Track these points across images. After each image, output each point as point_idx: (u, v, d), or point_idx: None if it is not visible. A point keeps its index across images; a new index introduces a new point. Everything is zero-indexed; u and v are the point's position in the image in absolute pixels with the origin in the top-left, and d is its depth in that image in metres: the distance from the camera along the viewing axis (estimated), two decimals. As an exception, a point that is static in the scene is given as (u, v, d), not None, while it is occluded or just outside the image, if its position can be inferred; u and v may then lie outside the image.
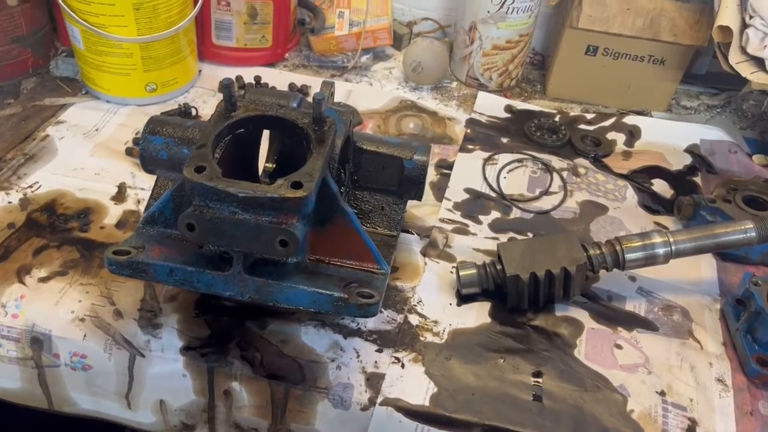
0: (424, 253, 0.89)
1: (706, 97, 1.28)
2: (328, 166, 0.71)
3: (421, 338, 0.79)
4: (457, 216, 0.96)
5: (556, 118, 1.17)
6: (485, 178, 1.03)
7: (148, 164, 0.79)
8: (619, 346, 0.80)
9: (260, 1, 1.15)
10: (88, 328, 0.76)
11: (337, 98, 1.16)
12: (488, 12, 1.14)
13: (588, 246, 0.83)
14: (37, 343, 0.76)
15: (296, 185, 0.63)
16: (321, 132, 0.70)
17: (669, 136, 1.15)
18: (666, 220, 0.99)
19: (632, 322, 0.83)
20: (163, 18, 1.03)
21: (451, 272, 0.87)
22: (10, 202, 0.90)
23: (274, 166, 0.81)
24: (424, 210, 0.96)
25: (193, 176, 0.63)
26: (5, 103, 1.07)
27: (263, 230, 0.62)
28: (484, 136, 1.12)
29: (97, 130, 1.05)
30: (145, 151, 0.78)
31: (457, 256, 0.89)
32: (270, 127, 0.75)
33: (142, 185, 0.95)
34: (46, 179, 0.94)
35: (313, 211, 0.66)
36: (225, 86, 0.69)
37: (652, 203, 1.02)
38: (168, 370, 0.75)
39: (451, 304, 0.83)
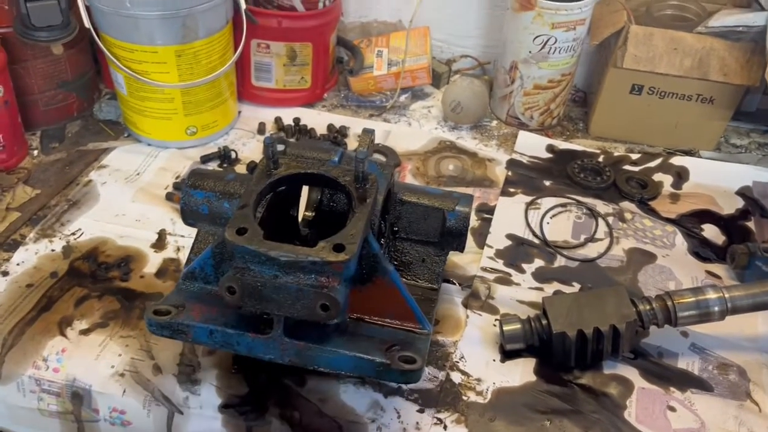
0: (465, 305, 0.87)
1: (756, 134, 1.23)
2: (370, 223, 0.69)
3: (464, 398, 0.76)
4: (499, 264, 0.94)
5: (600, 159, 1.14)
6: (528, 224, 1.00)
7: (188, 218, 0.79)
8: (672, 408, 0.77)
9: (299, 43, 1.16)
10: (128, 384, 0.76)
11: (375, 139, 1.15)
12: (529, 52, 1.12)
13: (638, 301, 0.80)
14: (77, 397, 0.76)
15: (338, 248, 0.62)
16: (363, 190, 0.68)
17: (719, 177, 1.11)
18: (718, 269, 0.95)
19: (685, 381, 0.80)
20: (204, 64, 1.04)
21: (494, 325, 0.84)
22: (53, 250, 0.91)
23: (314, 214, 0.81)
24: (465, 258, 0.93)
25: (235, 239, 0.62)
26: (51, 148, 1.09)
27: (304, 295, 0.61)
28: (526, 178, 1.10)
29: (138, 174, 1.06)
30: (186, 205, 0.77)
31: (500, 308, 0.87)
32: (312, 184, 0.74)
33: (182, 232, 0.95)
34: (89, 226, 0.95)
35: (354, 272, 0.65)
36: (266, 145, 0.68)
37: (703, 250, 0.98)
38: (206, 428, 0.74)
39: (494, 360, 0.81)
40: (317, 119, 1.20)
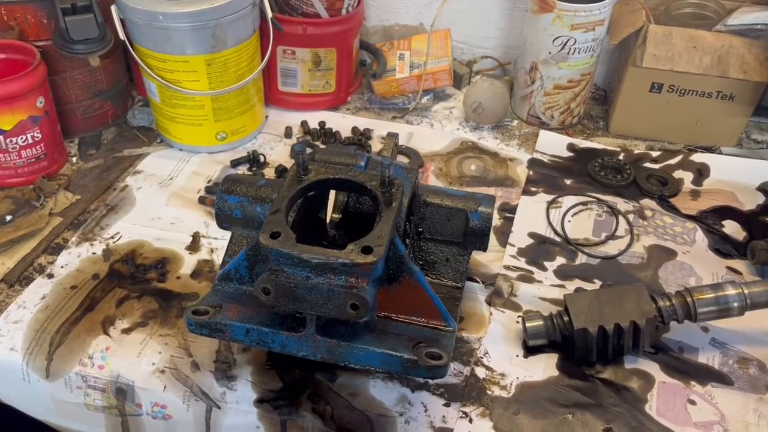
0: (489, 302, 0.90)
1: (778, 130, 1.24)
2: (396, 225, 0.72)
3: (489, 392, 0.79)
4: (521, 263, 0.96)
5: (620, 157, 1.16)
6: (549, 222, 1.03)
7: (223, 221, 0.82)
8: (692, 402, 0.79)
9: (324, 49, 1.19)
10: (168, 380, 0.80)
11: (399, 141, 1.17)
12: (549, 53, 1.14)
13: (657, 297, 0.82)
14: (121, 393, 0.81)
15: (366, 250, 0.65)
16: (389, 194, 0.72)
17: (740, 173, 1.12)
18: (739, 264, 0.96)
19: (706, 375, 0.82)
20: (233, 72, 1.08)
21: (517, 322, 0.87)
22: (94, 253, 0.96)
23: (341, 216, 0.84)
24: (488, 256, 0.96)
25: (269, 242, 0.65)
26: (88, 155, 1.14)
27: (335, 295, 0.64)
28: (547, 177, 1.12)
29: (171, 178, 1.10)
30: (221, 210, 0.81)
31: (522, 305, 0.89)
32: (340, 188, 0.77)
33: (215, 234, 0.99)
34: (126, 229, 1.00)
35: (382, 273, 0.68)
36: (297, 153, 0.71)
37: (724, 246, 0.99)
38: (243, 422, 0.78)
39: (517, 356, 0.83)
40: (342, 122, 1.23)
